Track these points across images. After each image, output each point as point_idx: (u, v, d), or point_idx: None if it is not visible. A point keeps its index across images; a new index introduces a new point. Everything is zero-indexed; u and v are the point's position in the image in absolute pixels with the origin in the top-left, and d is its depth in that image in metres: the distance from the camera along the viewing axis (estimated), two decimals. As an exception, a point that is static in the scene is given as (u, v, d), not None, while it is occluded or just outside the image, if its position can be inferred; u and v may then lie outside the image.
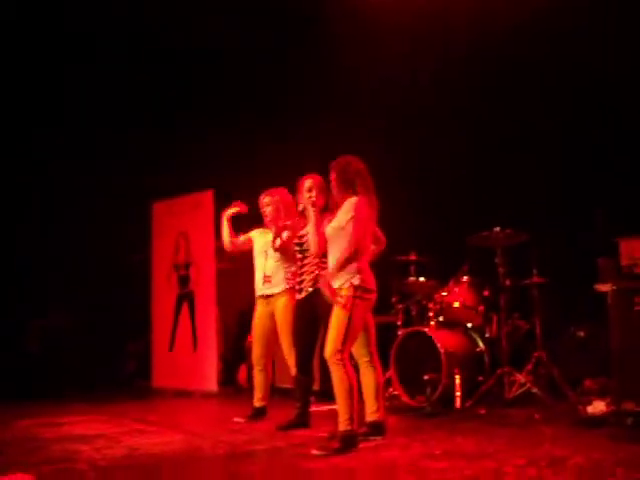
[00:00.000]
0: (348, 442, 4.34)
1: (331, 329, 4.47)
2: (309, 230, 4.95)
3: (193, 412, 7.04)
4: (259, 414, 5.86)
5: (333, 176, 4.72)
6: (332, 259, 4.61)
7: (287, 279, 5.74)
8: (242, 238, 6.13)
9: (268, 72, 8.89)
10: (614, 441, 4.40)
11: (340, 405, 4.40)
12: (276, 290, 5.80)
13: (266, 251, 5.90)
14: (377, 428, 4.73)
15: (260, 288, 5.93)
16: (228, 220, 6.09)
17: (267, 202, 5.85)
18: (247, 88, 9.00)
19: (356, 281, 4.46)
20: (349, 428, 4.35)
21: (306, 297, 5.22)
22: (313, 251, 4.88)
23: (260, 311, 5.92)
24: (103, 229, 9.49)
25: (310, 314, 5.19)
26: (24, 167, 9.29)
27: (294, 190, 5.40)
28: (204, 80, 9.20)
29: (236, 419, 5.84)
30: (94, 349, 9.41)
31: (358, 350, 4.76)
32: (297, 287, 5.33)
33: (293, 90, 8.69)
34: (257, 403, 5.91)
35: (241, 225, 6.23)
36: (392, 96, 7.88)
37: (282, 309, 5.71)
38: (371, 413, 4.74)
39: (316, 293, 5.09)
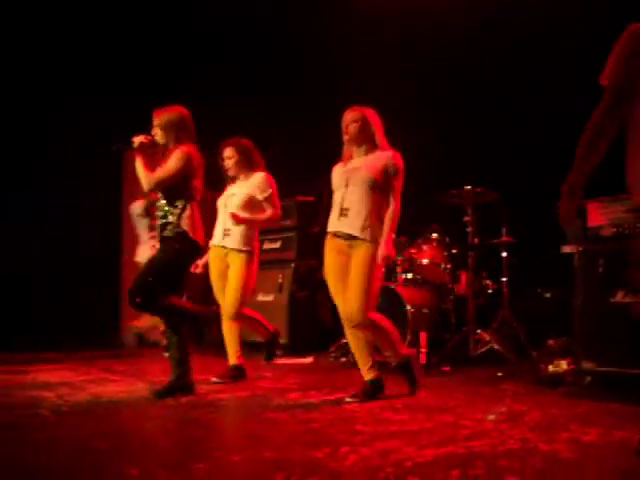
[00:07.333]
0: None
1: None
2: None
3: (160, 363, 7.03)
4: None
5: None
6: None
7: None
8: None
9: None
10: (571, 398, 4.51)
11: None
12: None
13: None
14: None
15: None
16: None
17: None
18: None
19: None
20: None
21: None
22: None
23: None
24: (73, 176, 9.34)
25: None
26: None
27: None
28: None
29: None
30: (64, 298, 9.35)
31: None
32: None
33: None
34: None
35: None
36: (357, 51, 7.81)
37: None
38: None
39: (162, 241, 4.87)
